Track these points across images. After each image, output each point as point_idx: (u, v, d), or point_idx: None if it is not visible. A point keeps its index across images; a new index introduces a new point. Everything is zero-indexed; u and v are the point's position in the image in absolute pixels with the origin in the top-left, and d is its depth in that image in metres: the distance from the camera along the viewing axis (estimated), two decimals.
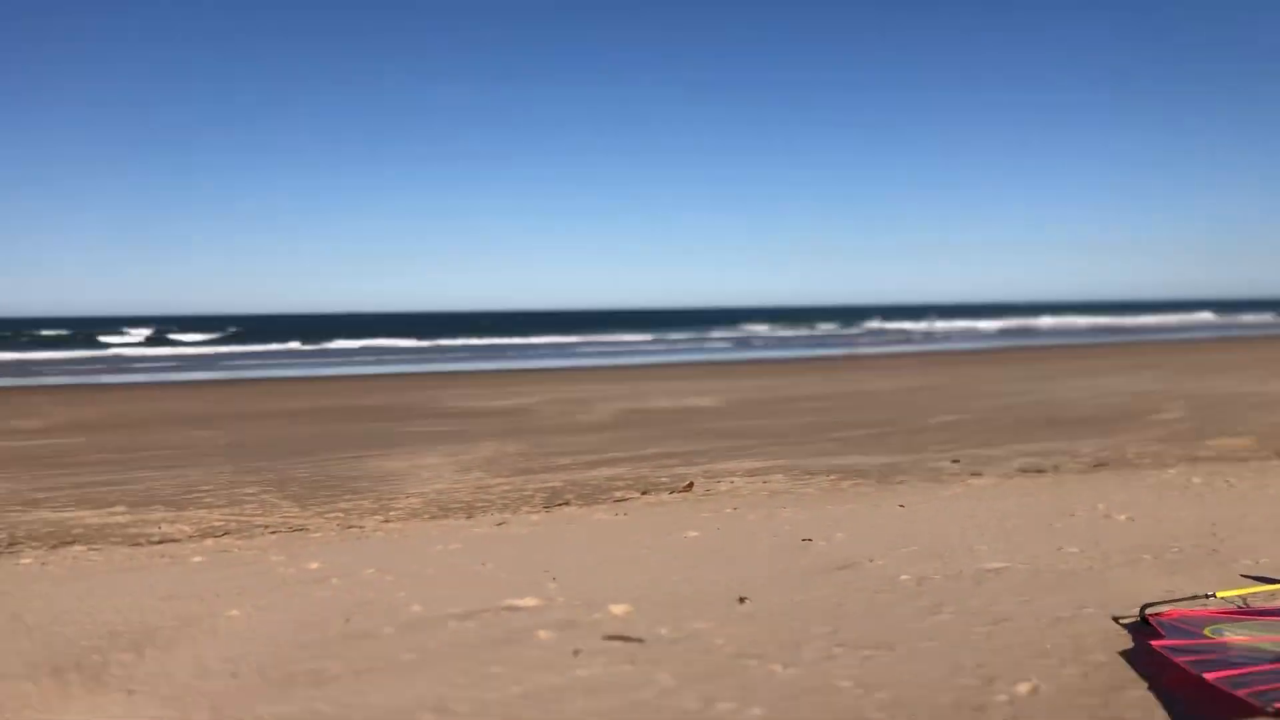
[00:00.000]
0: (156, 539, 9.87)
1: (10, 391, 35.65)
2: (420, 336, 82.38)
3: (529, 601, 6.29)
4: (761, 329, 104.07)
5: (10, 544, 9.78)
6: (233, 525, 10.59)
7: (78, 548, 9.45)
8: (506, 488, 12.78)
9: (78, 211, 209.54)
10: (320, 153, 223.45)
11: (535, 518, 10.33)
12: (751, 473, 13.42)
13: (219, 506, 11.79)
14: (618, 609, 6.03)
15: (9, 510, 11.72)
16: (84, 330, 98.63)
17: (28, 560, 8.80)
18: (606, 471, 13.97)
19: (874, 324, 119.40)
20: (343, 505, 11.71)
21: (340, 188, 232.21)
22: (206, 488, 13.15)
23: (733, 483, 12.56)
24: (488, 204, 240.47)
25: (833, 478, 12.77)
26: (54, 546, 9.57)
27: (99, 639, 5.73)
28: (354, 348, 71.25)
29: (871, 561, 7.23)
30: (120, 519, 11.10)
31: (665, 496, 11.69)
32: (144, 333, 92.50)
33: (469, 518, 10.59)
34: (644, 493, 12.05)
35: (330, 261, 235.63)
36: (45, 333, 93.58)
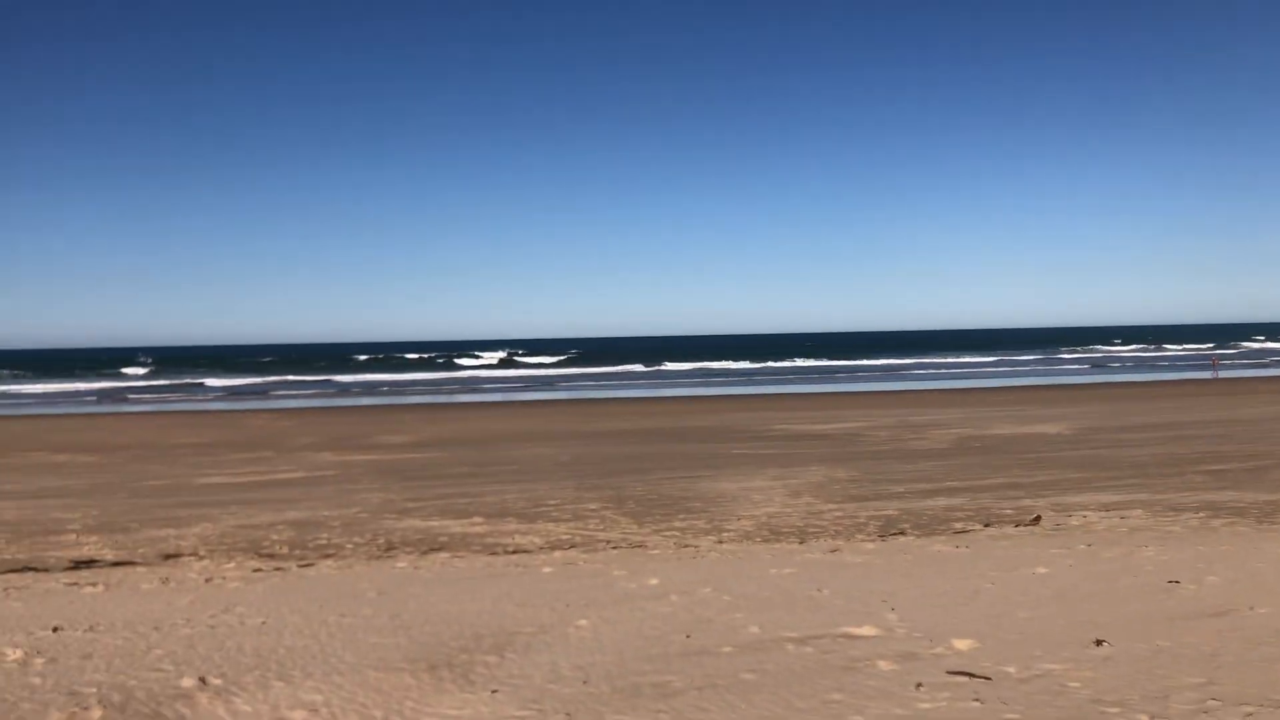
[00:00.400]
0: (511, 549, 10.71)
1: (383, 409, 39.79)
2: (751, 358, 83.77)
3: (867, 630, 6.27)
4: (1119, 349, 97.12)
5: (388, 548, 10.96)
6: (578, 539, 11.27)
7: (444, 554, 10.44)
8: (838, 514, 12.74)
9: (442, 244, 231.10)
10: (663, 189, 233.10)
11: (870, 546, 10.24)
12: (1107, 507, 12.58)
13: (564, 520, 12.58)
14: (961, 643, 5.88)
15: (385, 517, 13.12)
16: (444, 353, 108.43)
17: (402, 564, 9.83)
18: (944, 501, 13.59)
19: (1253, 343, 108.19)
20: (678, 524, 12.14)
21: (673, 217, 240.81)
22: (552, 502, 14.07)
23: (1085, 517, 11.84)
24: (819, 226, 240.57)
25: (1202, 515, 11.72)
26: (424, 552, 10.62)
27: (466, 639, 6.30)
28: (685, 370, 73.55)
29: (1252, 609, 6.59)
30: (479, 529, 12.12)
31: (1010, 529, 11.20)
32: (496, 355, 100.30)
33: (801, 543, 10.67)
34: (986, 525, 11.61)
35: (663, 285, 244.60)
36: (410, 356, 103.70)
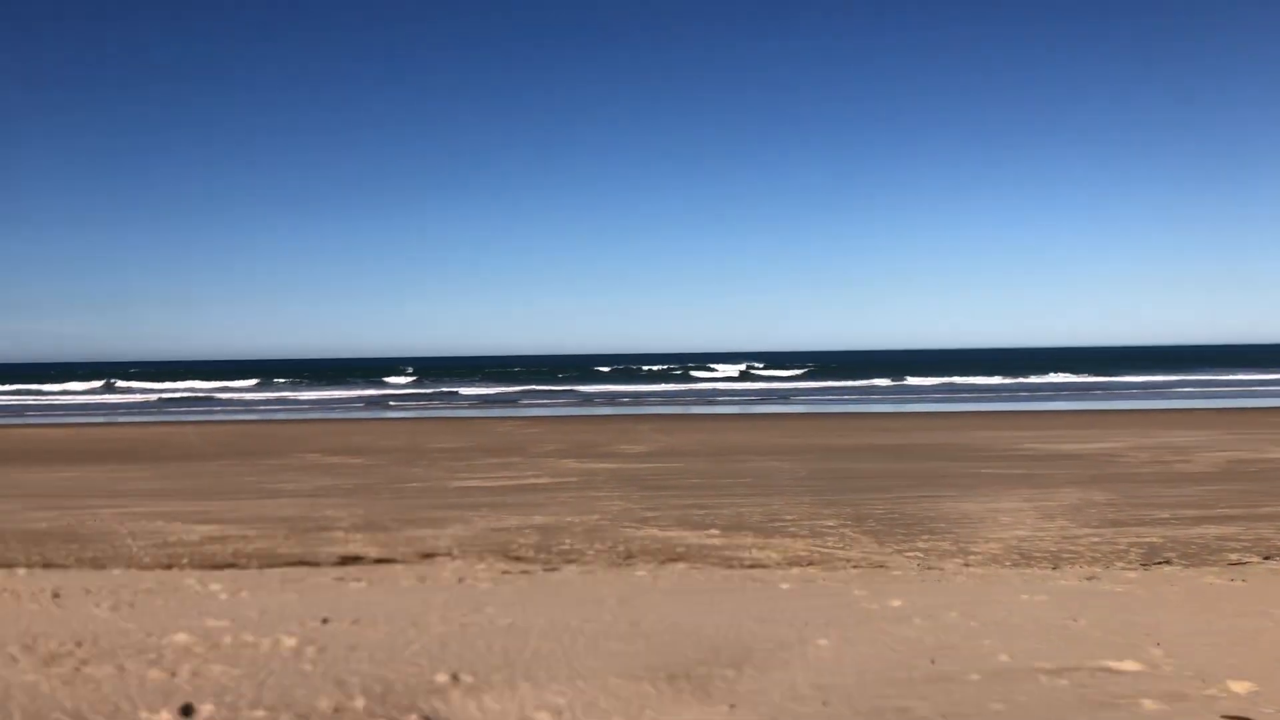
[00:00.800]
0: (748, 563, 10.68)
1: (623, 419, 40.70)
2: (1003, 373, 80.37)
3: (1129, 665, 5.85)
4: None
5: (627, 557, 11.17)
6: (816, 556, 11.11)
7: (681, 565, 10.53)
8: (1094, 539, 11.99)
9: (680, 260, 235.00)
10: (906, 195, 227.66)
11: (1131, 575, 9.57)
12: None
13: (802, 536, 12.44)
14: (1238, 686, 5.39)
15: (624, 526, 13.38)
16: (682, 365, 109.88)
17: (641, 573, 9.99)
18: (1214, 529, 12.54)
19: None
20: (920, 545, 11.77)
21: (917, 226, 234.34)
22: (789, 517, 13.94)
23: None
24: (1083, 236, 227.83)
25: None
26: (662, 562, 10.76)
27: (704, 652, 6.32)
28: (930, 385, 71.45)
29: None
30: (715, 541, 12.16)
31: None
32: (734, 368, 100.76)
33: (1054, 568, 10.10)
34: (1266, 557, 10.62)
35: (908, 296, 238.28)
36: (650, 367, 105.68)
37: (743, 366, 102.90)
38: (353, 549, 11.93)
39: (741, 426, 35.10)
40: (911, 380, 74.98)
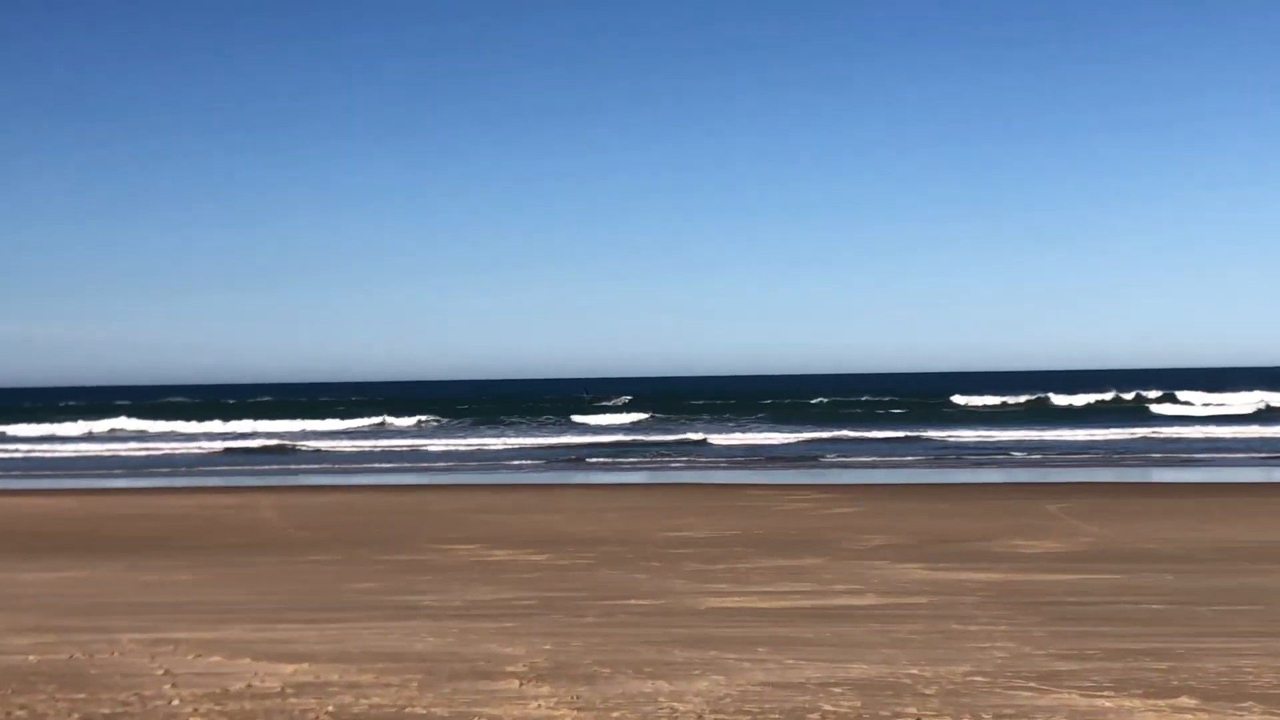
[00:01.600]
0: None
1: (1011, 490, 40.08)
2: None
3: None
4: None
5: None
6: None
7: None
8: None
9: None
10: None
11: None
12: None
13: None
14: None
15: (1016, 685, 13.22)
16: (1135, 390, 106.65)
17: None
18: None
19: None
20: None
21: None
22: None
23: None
24: None
25: None
26: None
27: None
28: None
29: None
30: (1191, 718, 11.88)
31: None
32: (1236, 398, 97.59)
33: None
34: None
35: None
36: (1062, 400, 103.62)
37: (1260, 398, 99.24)
38: (534, 711, 12.34)
39: (1243, 507, 34.05)
40: None
